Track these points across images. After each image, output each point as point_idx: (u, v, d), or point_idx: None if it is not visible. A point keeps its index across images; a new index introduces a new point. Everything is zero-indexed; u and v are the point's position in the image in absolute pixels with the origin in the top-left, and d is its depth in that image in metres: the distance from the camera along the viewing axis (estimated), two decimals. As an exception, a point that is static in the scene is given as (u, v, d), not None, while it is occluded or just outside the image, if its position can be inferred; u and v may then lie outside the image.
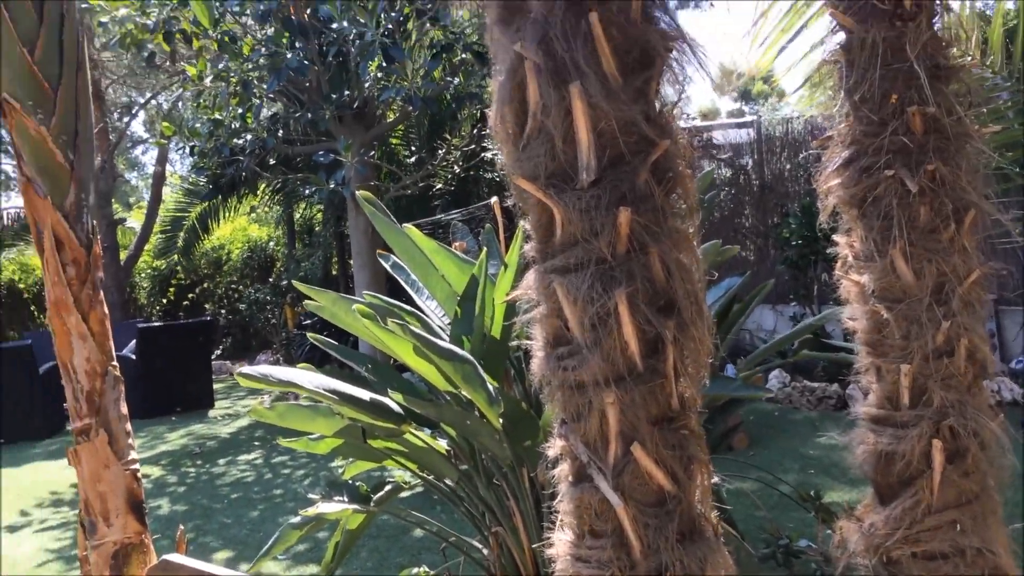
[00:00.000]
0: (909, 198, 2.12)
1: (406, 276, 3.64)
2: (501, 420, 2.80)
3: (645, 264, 1.79)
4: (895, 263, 2.12)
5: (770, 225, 10.22)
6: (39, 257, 2.42)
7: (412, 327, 2.66)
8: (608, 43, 1.80)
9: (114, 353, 2.42)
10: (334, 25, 7.38)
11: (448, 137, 10.70)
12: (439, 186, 10.76)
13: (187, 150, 9.07)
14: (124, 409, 2.29)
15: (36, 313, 13.71)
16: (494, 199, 3.44)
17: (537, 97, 1.83)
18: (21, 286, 13.73)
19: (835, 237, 2.32)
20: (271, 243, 14.91)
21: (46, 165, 2.41)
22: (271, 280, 13.91)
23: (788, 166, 10.37)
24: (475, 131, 10.28)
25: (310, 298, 3.45)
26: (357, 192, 3.82)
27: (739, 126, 11.71)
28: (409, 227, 3.46)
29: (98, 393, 2.22)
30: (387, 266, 3.76)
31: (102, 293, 2.40)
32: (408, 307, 3.39)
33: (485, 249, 3.18)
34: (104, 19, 7.67)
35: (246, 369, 2.70)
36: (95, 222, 2.59)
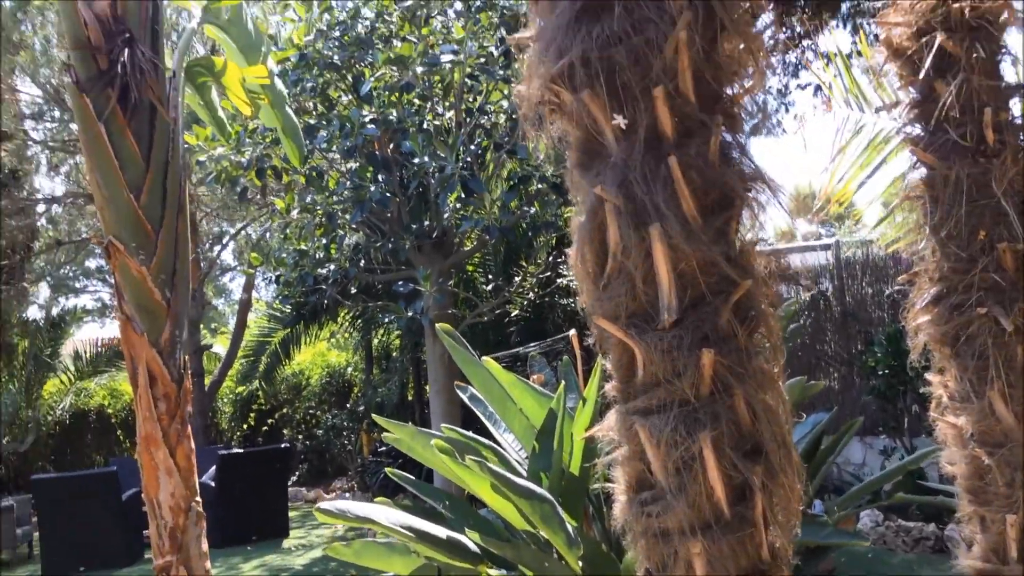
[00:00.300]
0: (1004, 337, 2.04)
1: (483, 408, 3.63)
2: (580, 563, 2.71)
3: (730, 406, 1.75)
4: (994, 405, 2.03)
5: (854, 352, 9.94)
6: (133, 391, 2.50)
7: (490, 464, 2.64)
8: (687, 185, 1.83)
9: (198, 486, 2.45)
10: (415, 160, 7.68)
11: (524, 264, 10.86)
12: (515, 312, 10.86)
13: (273, 279, 9.40)
14: (204, 546, 2.30)
15: (123, 438, 14.05)
16: (572, 332, 3.45)
17: (617, 238, 1.85)
18: (109, 411, 14.13)
19: (928, 376, 2.24)
20: (349, 368, 15.13)
21: (144, 303, 2.52)
22: (348, 406, 14.04)
23: (870, 291, 10.15)
24: (550, 258, 10.42)
25: (388, 429, 3.46)
26: (437, 325, 3.88)
27: (816, 248, 11.59)
28: (487, 360, 3.48)
29: (181, 529, 2.24)
30: (465, 398, 3.77)
31: (190, 427, 2.46)
32: (485, 441, 3.37)
33: (563, 382, 3.17)
34: (202, 158, 8.14)
35: (324, 505, 2.69)
36: (187, 356, 2.68)
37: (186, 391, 2.50)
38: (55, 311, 14.15)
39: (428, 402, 9.78)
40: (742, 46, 1.99)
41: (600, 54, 1.85)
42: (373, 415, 3.84)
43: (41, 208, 12.84)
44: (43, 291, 15.03)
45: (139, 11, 2.74)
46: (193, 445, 2.48)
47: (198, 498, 2.34)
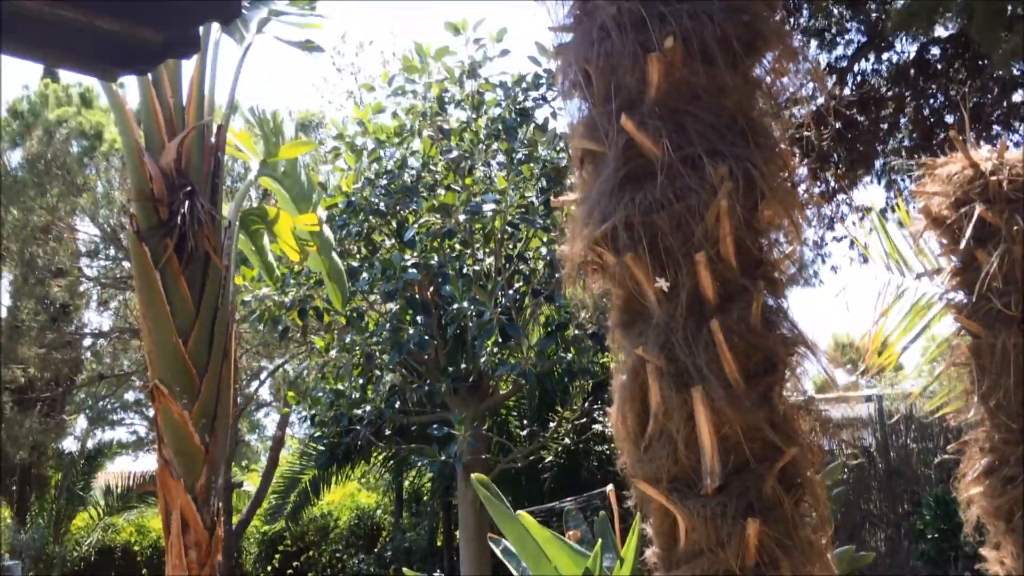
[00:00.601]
0: (1063, 513, 1.97)
1: (516, 564, 3.53)
2: None
3: (776, 581, 1.69)
4: (1055, 586, 1.93)
5: (901, 513, 9.55)
6: (164, 537, 2.48)
7: (524, 627, 2.54)
8: (730, 349, 1.83)
9: (222, 642, 2.38)
10: (454, 304, 7.77)
11: (559, 409, 10.75)
12: (548, 458, 10.67)
13: (308, 418, 9.38)
14: None
15: (147, 576, 13.76)
16: (609, 487, 3.38)
17: (659, 399, 1.84)
18: (136, 548, 13.91)
19: (982, 551, 2.14)
20: (379, 510, 14.82)
21: (183, 447, 2.53)
22: (376, 550, 13.69)
23: (915, 447, 9.86)
24: (586, 404, 10.32)
25: (418, 584, 3.36)
26: (472, 475, 3.82)
27: (858, 401, 11.36)
28: (522, 514, 3.40)
29: None
30: (498, 551, 3.67)
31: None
32: (518, 600, 3.25)
33: (600, 541, 3.08)
34: (247, 298, 8.32)
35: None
36: (220, 502, 2.66)
37: (217, 539, 2.48)
38: (91, 443, 14.18)
39: (458, 547, 9.52)
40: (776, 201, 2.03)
41: (643, 219, 1.90)
42: (404, 570, 3.75)
43: (87, 342, 13.10)
44: (80, 423, 15.13)
45: (202, 165, 2.89)
46: (221, 598, 2.43)
47: (222, 655, 2.27)
